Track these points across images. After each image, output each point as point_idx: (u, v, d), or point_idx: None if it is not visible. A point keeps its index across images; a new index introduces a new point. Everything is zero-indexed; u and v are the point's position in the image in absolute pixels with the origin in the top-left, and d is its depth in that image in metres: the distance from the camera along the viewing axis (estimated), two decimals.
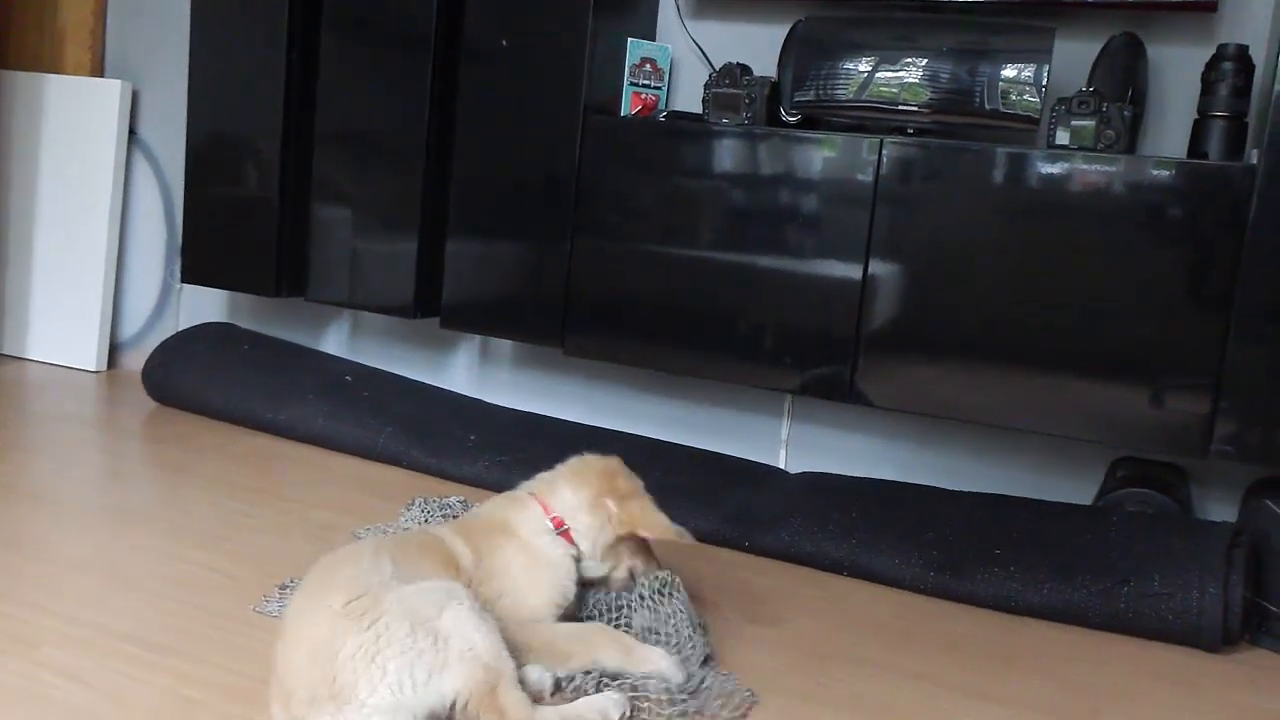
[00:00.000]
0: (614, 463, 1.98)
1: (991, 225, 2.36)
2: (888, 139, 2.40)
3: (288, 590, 1.94)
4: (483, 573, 1.75)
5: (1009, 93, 2.38)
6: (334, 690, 1.41)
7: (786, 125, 2.58)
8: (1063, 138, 2.29)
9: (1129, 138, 2.29)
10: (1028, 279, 2.33)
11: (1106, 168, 2.24)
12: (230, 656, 1.72)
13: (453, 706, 1.47)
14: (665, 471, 2.66)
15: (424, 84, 2.90)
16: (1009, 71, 2.37)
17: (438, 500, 2.47)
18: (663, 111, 2.77)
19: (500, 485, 2.36)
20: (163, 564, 2.09)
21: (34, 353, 3.61)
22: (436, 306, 2.96)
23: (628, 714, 1.62)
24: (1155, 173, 2.22)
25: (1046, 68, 2.32)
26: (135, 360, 3.45)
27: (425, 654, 1.45)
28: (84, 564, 2.07)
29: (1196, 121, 2.32)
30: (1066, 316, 2.31)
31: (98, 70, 3.63)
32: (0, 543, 2.11)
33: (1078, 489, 2.58)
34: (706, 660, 1.82)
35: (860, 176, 2.43)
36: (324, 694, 1.41)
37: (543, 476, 1.96)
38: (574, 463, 1.98)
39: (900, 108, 2.44)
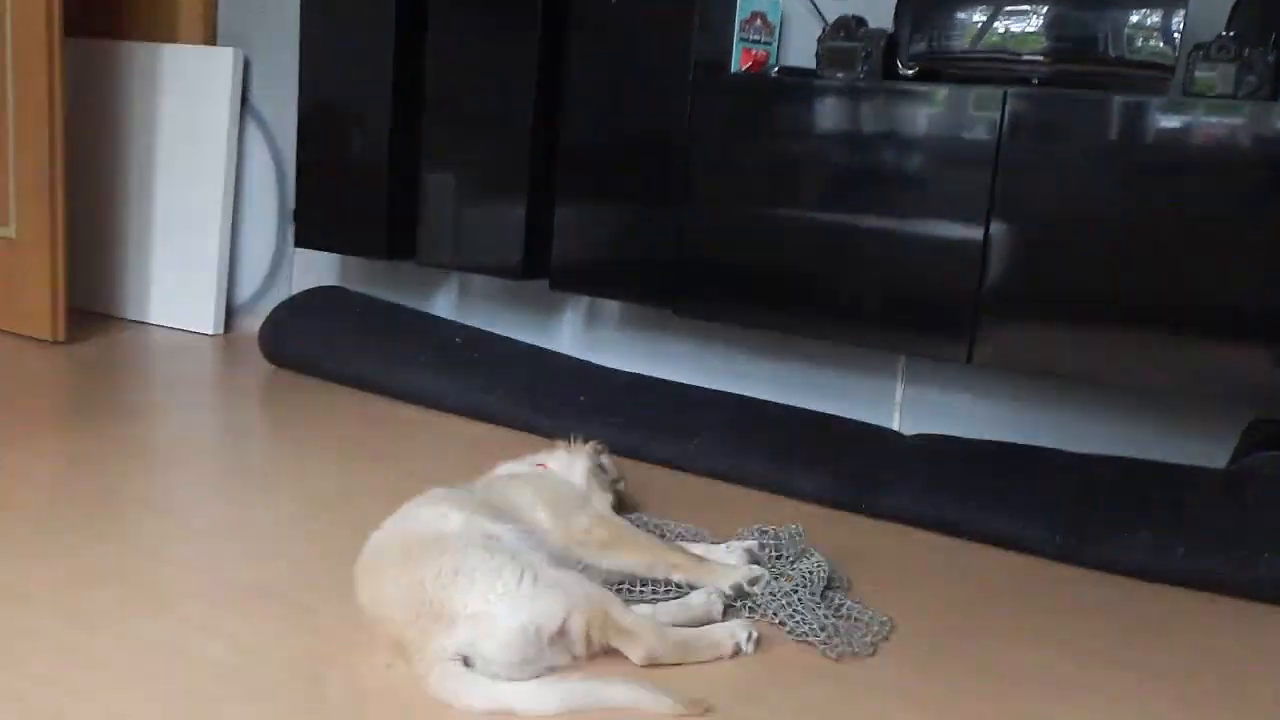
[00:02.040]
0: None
1: (1121, 178, 2.26)
2: (1011, 90, 2.32)
3: None
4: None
5: (1136, 39, 2.28)
6: (435, 613, 1.45)
7: (903, 79, 2.51)
8: (1200, 85, 2.18)
9: (1272, 84, 2.17)
10: (1158, 234, 2.24)
11: (1246, 116, 2.13)
12: (357, 612, 1.74)
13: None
14: (778, 433, 2.64)
15: (532, 47, 2.88)
16: (1136, 17, 2.26)
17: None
18: (774, 67, 2.72)
19: (612, 446, 2.36)
20: (290, 523, 2.13)
21: (155, 317, 3.71)
22: (544, 268, 2.96)
23: (755, 637, 1.64)
24: None
25: (1181, 11, 2.21)
26: (251, 324, 3.52)
27: (508, 566, 1.49)
28: (215, 523, 2.13)
29: None
30: (1200, 272, 2.21)
31: (211, 39, 3.69)
32: (133, 502, 2.17)
33: (1209, 453, 2.48)
34: (831, 586, 1.86)
35: (982, 129, 2.35)
36: (428, 620, 1.45)
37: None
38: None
39: (1022, 57, 2.35)
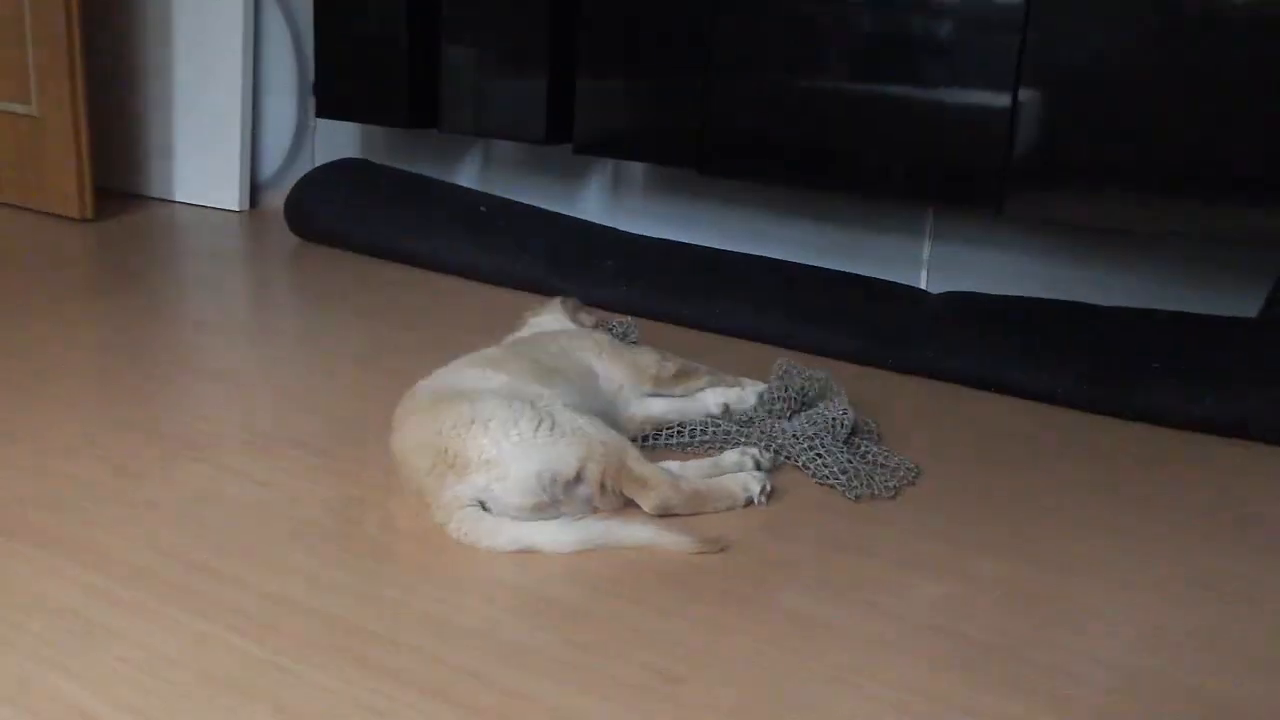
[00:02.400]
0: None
1: (1149, 31, 2.20)
2: None
3: None
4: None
5: None
6: (450, 460, 1.49)
7: None
8: None
9: None
10: (1188, 83, 2.19)
11: None
12: (388, 460, 1.78)
13: (583, 498, 1.55)
14: (802, 293, 2.63)
15: None
16: None
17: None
18: None
19: (641, 310, 2.36)
20: (323, 379, 2.17)
21: (180, 195, 3.71)
22: (568, 133, 2.93)
23: (769, 489, 1.67)
24: None
25: None
26: (276, 199, 3.52)
27: (526, 413, 1.52)
28: (245, 379, 2.16)
29: None
30: (1230, 121, 2.16)
31: None
32: (166, 363, 2.21)
33: (1241, 304, 2.46)
34: (858, 433, 1.88)
35: None
36: (444, 467, 1.49)
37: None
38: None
39: None
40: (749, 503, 1.65)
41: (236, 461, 1.75)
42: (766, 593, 1.43)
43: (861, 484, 1.72)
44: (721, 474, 1.70)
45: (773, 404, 1.94)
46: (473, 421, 1.51)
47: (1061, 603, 1.45)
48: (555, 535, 1.47)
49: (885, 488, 1.73)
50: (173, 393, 2.05)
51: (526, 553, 1.46)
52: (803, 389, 1.95)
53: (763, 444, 1.81)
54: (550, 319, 2.09)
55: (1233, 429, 2.09)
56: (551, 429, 1.53)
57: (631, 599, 1.40)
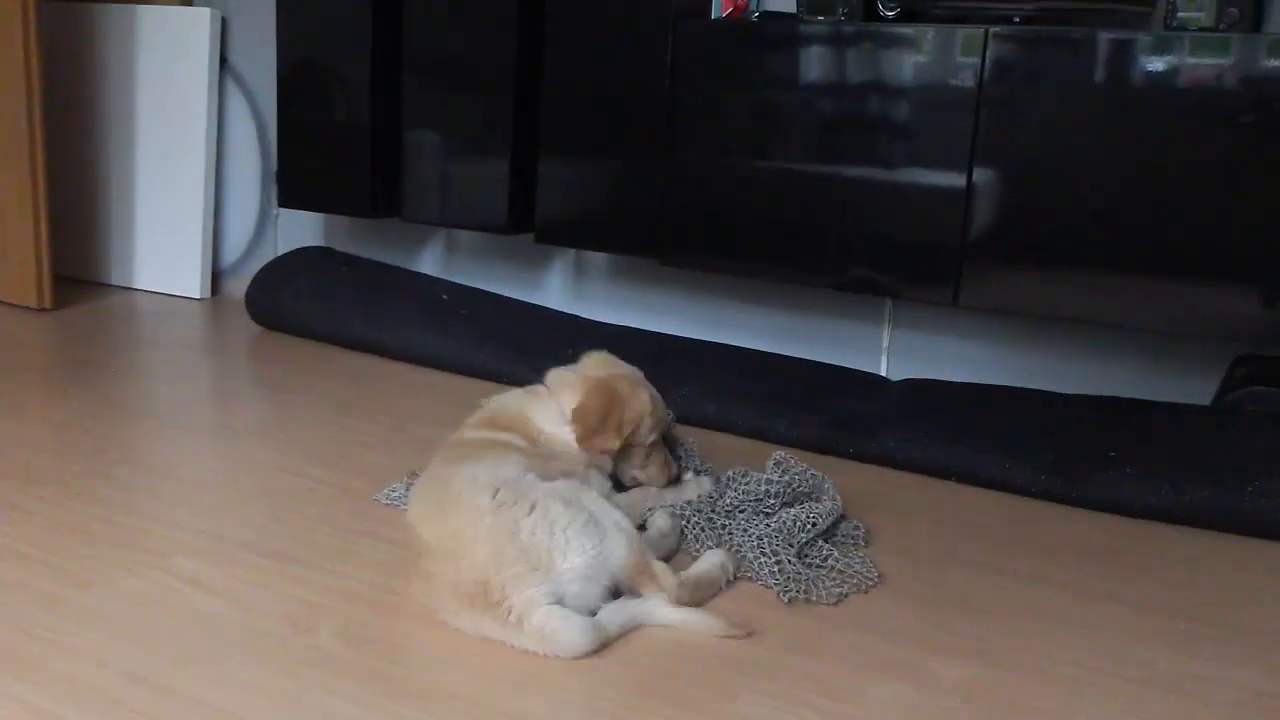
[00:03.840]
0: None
1: (1103, 115, 2.25)
2: (993, 28, 2.31)
3: (411, 479, 2.00)
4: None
5: None
6: (533, 563, 1.53)
7: (884, 20, 2.49)
8: (1181, 19, 2.17)
9: (1253, 17, 2.17)
10: (1140, 174, 2.24)
11: (1228, 50, 2.12)
12: (349, 563, 1.76)
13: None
14: (765, 381, 2.64)
15: (511, 3, 2.85)
16: None
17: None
18: (755, 12, 2.70)
19: None
20: (279, 478, 2.14)
21: (141, 282, 3.69)
22: (530, 222, 2.95)
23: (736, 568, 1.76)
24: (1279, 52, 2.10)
25: None
26: (238, 287, 3.51)
27: (589, 526, 1.60)
28: (204, 479, 2.13)
29: None
30: (1182, 211, 2.21)
31: None
32: (124, 460, 2.18)
33: (1195, 390, 2.49)
34: (831, 538, 1.90)
35: (964, 71, 2.34)
36: (525, 569, 1.52)
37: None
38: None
39: None
40: (729, 582, 1.73)
41: (189, 567, 1.72)
42: (726, 699, 1.42)
43: (796, 587, 1.72)
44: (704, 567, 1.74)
45: (764, 496, 1.94)
46: (552, 533, 1.56)
47: (1022, 707, 1.44)
48: (615, 617, 1.56)
49: (828, 593, 1.73)
50: (127, 493, 2.02)
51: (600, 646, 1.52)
52: (793, 483, 1.95)
53: (706, 536, 1.87)
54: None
55: (1190, 518, 2.10)
56: (599, 530, 1.61)
57: (586, 707, 1.38)
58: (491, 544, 1.54)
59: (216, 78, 3.57)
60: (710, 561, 1.74)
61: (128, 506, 1.95)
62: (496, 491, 1.59)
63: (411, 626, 1.57)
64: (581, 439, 1.89)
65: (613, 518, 1.65)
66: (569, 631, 1.49)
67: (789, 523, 1.84)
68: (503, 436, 1.85)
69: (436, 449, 1.83)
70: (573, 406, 1.92)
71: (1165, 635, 1.67)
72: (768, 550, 1.78)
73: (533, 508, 1.58)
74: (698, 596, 1.67)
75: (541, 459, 1.81)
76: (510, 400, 2.02)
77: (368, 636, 1.53)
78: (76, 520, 1.87)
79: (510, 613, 1.50)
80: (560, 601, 1.53)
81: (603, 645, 1.52)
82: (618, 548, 1.61)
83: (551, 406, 1.96)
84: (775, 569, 1.75)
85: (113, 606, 1.58)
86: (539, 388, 2.01)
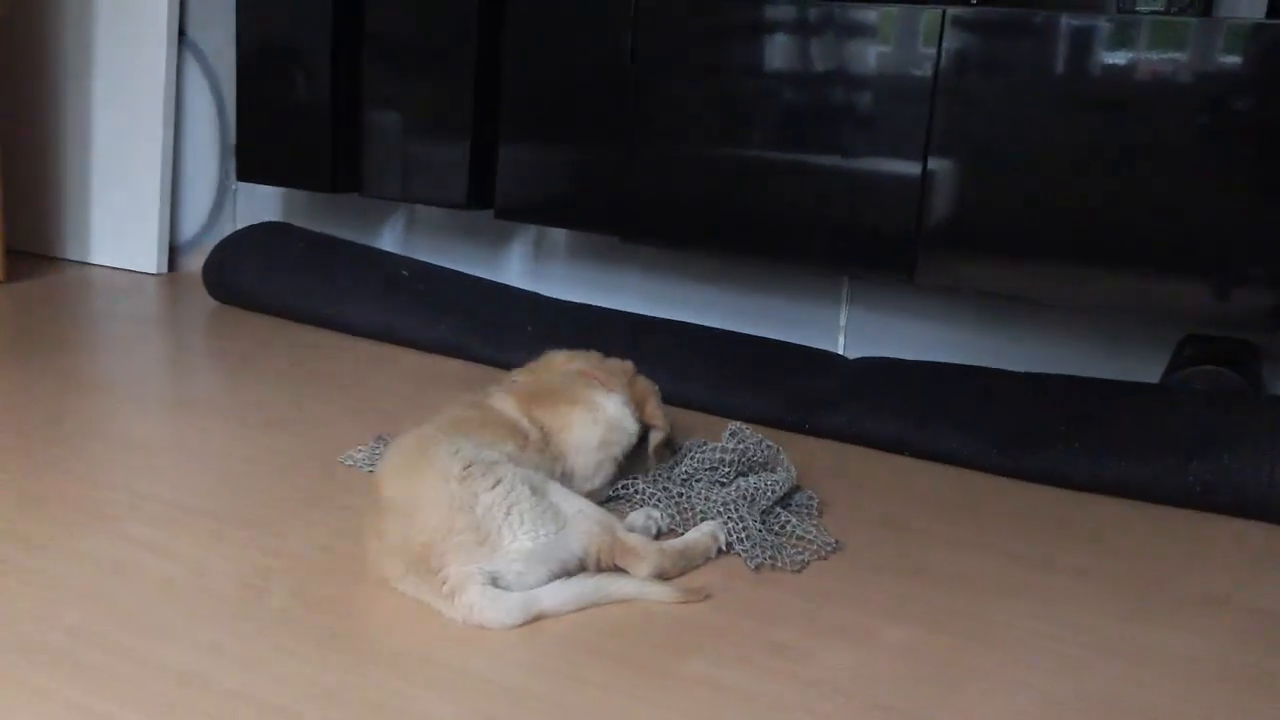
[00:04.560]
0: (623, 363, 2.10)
1: (1057, 98, 2.29)
2: (950, 9, 2.34)
3: (379, 444, 2.03)
4: (553, 448, 1.85)
5: None
6: (480, 537, 1.53)
7: (845, 0, 2.51)
8: (1134, 2, 2.21)
9: (1204, 1, 2.21)
10: (1095, 157, 2.28)
11: (1179, 36, 2.16)
12: (304, 528, 1.76)
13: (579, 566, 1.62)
14: (723, 359, 2.67)
15: None
16: None
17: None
18: None
19: None
20: (233, 446, 2.14)
21: (96, 257, 3.66)
22: (490, 199, 2.96)
23: (727, 539, 1.76)
24: (1231, 36, 2.14)
25: None
26: (195, 262, 3.48)
27: (548, 512, 1.60)
28: (158, 447, 2.13)
29: None
30: (1133, 194, 2.25)
31: None
32: (78, 430, 2.16)
33: (1144, 369, 2.54)
34: (787, 505, 1.92)
35: (923, 51, 2.37)
36: (470, 541, 1.52)
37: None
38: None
39: None
40: (719, 552, 1.74)
41: (144, 532, 1.71)
42: (677, 659, 1.44)
43: (764, 554, 1.74)
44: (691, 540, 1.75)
45: (719, 465, 1.96)
46: (508, 512, 1.56)
47: (965, 668, 1.48)
48: (557, 595, 1.55)
49: (792, 560, 1.75)
50: (82, 461, 2.00)
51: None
52: (748, 453, 1.97)
53: (664, 505, 1.88)
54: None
55: (1136, 492, 2.14)
56: (557, 519, 1.60)
57: (539, 668, 1.40)
58: (447, 510, 1.54)
59: (175, 51, 3.53)
60: (701, 530, 1.76)
61: (82, 474, 1.94)
62: (470, 465, 1.59)
63: (365, 588, 1.58)
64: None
65: (576, 505, 1.65)
66: (496, 613, 1.49)
67: (749, 490, 1.86)
68: (523, 423, 1.84)
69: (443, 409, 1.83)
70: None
71: (1108, 603, 1.70)
72: (734, 515, 1.79)
73: (496, 484, 1.58)
74: (682, 565, 1.68)
75: (542, 456, 1.82)
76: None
77: (322, 597, 1.54)
78: (29, 486, 1.86)
79: (444, 584, 1.50)
80: (497, 581, 1.53)
81: (537, 619, 1.52)
82: (580, 533, 1.61)
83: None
84: (743, 534, 1.76)
85: (68, 569, 1.57)
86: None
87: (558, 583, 1.57)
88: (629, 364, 2.10)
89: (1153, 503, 2.14)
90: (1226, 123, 2.17)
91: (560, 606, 1.54)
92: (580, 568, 1.61)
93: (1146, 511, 2.11)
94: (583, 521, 1.63)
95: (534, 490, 1.61)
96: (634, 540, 1.66)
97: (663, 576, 1.64)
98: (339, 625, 1.48)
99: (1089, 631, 1.60)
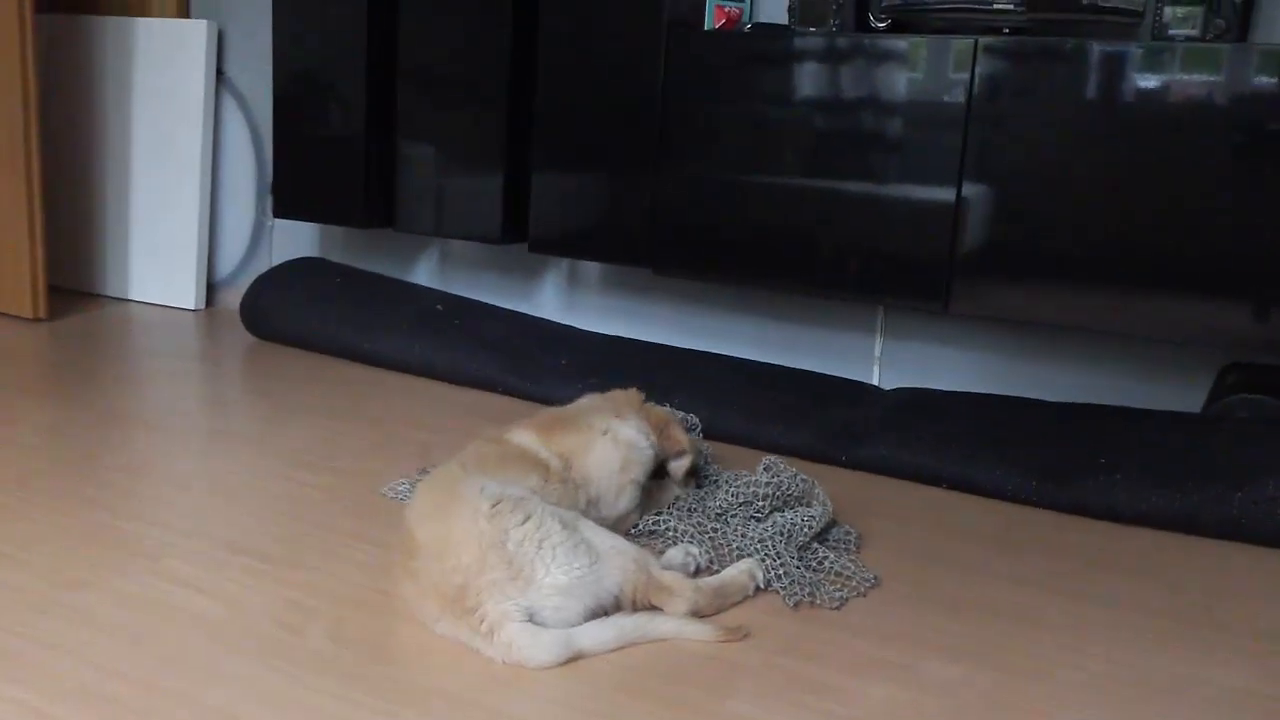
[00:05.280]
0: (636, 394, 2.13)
1: (1092, 125, 2.28)
2: (982, 39, 2.33)
3: (423, 476, 2.01)
4: (575, 475, 1.86)
5: None
6: (513, 573, 1.52)
7: (875, 31, 2.51)
8: (1169, 29, 2.19)
9: (1239, 27, 2.19)
10: (1131, 183, 2.26)
11: (1214, 61, 2.15)
12: (340, 566, 1.76)
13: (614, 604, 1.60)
14: (757, 391, 2.66)
15: (505, 14, 2.88)
16: None
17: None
18: (747, 24, 2.72)
19: None
20: (271, 482, 2.14)
21: (135, 294, 3.70)
22: (524, 233, 2.97)
23: (765, 576, 1.74)
24: (1266, 60, 2.11)
25: None
26: (232, 298, 3.52)
27: (580, 546, 1.59)
28: (197, 484, 2.14)
29: None
30: (1173, 220, 2.23)
31: (184, 11, 3.67)
32: (117, 466, 2.18)
33: (1185, 398, 2.51)
34: (824, 541, 1.90)
35: (955, 78, 2.36)
36: (504, 578, 1.51)
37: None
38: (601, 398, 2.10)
39: (993, 6, 2.37)
40: (757, 589, 1.72)
41: (182, 569, 1.72)
42: (717, 699, 1.43)
43: (802, 591, 1.73)
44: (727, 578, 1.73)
45: (754, 499, 1.95)
46: (540, 546, 1.55)
47: (1009, 706, 1.45)
48: (596, 635, 1.54)
49: (830, 597, 1.73)
50: (122, 499, 2.02)
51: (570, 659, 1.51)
52: (784, 486, 1.96)
53: (701, 542, 1.86)
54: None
55: (1179, 524, 2.11)
56: (590, 553, 1.59)
57: (576, 708, 1.38)
58: (478, 548, 1.53)
59: (213, 89, 3.59)
60: (739, 568, 1.74)
61: (120, 510, 1.95)
62: (498, 502, 1.59)
63: (401, 627, 1.57)
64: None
65: (610, 542, 1.64)
66: (535, 650, 1.48)
67: (786, 526, 1.84)
68: (543, 454, 1.85)
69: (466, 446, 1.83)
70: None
71: (1156, 638, 1.67)
72: (771, 552, 1.78)
73: (526, 519, 1.57)
74: (718, 603, 1.66)
75: (565, 486, 1.82)
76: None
77: (357, 637, 1.54)
78: (68, 524, 1.87)
79: (482, 622, 1.50)
80: (534, 617, 1.51)
81: (576, 658, 1.51)
82: (615, 570, 1.60)
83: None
84: (781, 571, 1.75)
85: (107, 607, 1.58)
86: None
87: (596, 622, 1.56)
88: (634, 391, 2.12)
89: (1196, 535, 2.10)
90: (1264, 146, 2.14)
91: (599, 646, 1.53)
92: (616, 606, 1.59)
93: (1189, 544, 2.07)
94: (617, 558, 1.62)
95: (564, 525, 1.60)
96: (669, 578, 1.65)
97: (698, 614, 1.62)
98: (374, 666, 1.47)
99: (1137, 668, 1.57)
